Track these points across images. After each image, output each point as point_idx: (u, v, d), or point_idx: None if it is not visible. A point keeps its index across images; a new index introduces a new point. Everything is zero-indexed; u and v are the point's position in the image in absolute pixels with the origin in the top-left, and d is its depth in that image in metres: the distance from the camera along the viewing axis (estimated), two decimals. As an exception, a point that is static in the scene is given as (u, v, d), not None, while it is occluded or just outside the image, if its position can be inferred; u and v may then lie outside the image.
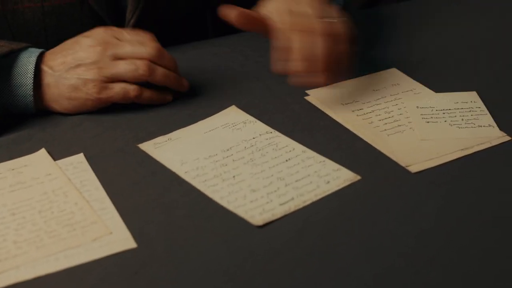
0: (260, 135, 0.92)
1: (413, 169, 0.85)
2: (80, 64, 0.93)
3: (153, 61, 0.95)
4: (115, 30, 0.97)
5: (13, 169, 0.85)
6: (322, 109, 0.97)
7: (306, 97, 1.00)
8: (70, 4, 1.03)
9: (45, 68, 0.93)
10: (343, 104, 0.98)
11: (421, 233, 0.76)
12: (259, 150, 0.89)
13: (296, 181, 0.83)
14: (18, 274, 0.70)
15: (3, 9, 1.00)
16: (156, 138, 0.91)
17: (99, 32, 0.96)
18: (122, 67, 0.93)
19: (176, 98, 0.99)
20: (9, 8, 1.01)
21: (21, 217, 0.77)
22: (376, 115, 0.95)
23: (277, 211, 0.79)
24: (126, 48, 0.94)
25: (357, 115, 0.95)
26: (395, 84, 1.02)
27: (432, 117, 0.94)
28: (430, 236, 0.76)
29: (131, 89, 0.94)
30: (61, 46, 0.96)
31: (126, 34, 0.97)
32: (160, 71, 0.95)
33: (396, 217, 0.78)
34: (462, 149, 0.88)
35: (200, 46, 1.14)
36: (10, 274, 0.70)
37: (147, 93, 0.96)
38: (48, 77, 0.93)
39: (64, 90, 0.93)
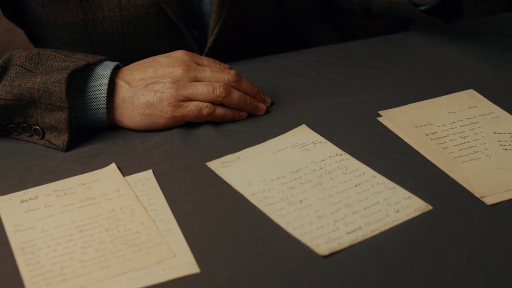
0: (329, 157, 0.90)
1: (488, 200, 0.82)
2: (159, 82, 0.93)
3: (231, 86, 0.96)
4: (195, 55, 0.98)
5: (83, 184, 0.86)
6: (395, 131, 0.94)
7: (379, 118, 0.97)
8: (148, 13, 1.04)
9: (121, 82, 0.94)
10: (416, 127, 0.95)
11: (493, 272, 0.73)
12: (328, 173, 0.87)
13: (365, 208, 0.81)
14: (82, 294, 0.71)
15: (84, 18, 1.02)
16: (224, 157, 0.91)
17: (180, 54, 0.97)
18: (200, 88, 0.94)
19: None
20: (90, 17, 1.03)
21: (89, 234, 0.78)
22: (451, 140, 0.92)
23: (343, 240, 0.77)
24: (206, 73, 0.95)
25: (431, 139, 0.92)
26: (472, 107, 0.99)
27: (510, 144, 0.90)
28: (503, 276, 0.72)
29: (205, 107, 0.94)
30: (138, 63, 0.97)
31: (206, 60, 0.98)
32: (236, 94, 0.96)
33: (467, 253, 0.75)
34: (542, 182, 0.84)
35: (272, 60, 1.13)
36: (75, 294, 0.71)
37: (221, 110, 0.96)
38: (124, 92, 0.94)
39: (139, 106, 0.94)
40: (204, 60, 0.98)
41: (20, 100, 0.90)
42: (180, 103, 0.94)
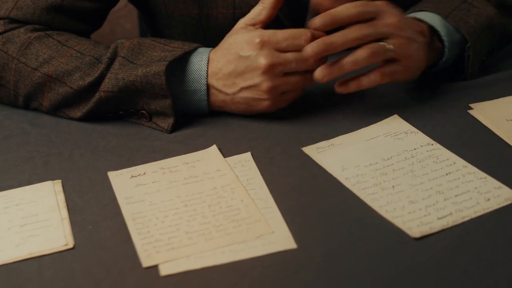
0: (421, 146, 0.93)
1: None
2: (251, 86, 0.96)
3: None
4: (272, 42, 0.95)
5: (187, 163, 0.92)
6: (485, 124, 0.97)
7: (470, 111, 1.00)
8: None
9: (213, 90, 0.99)
10: (507, 120, 0.97)
11: None
12: (420, 161, 0.90)
13: (456, 196, 0.84)
14: (188, 263, 0.77)
15: (200, 12, 1.09)
16: (319, 143, 0.95)
17: (261, 54, 0.95)
18: (293, 80, 0.96)
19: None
20: (205, 12, 1.09)
21: (193, 209, 0.84)
22: (543, 134, 0.93)
23: (435, 224, 0.80)
24: (292, 64, 0.95)
25: (522, 133, 0.94)
26: None
27: None
28: None
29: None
30: (224, 57, 0.97)
31: (283, 39, 0.95)
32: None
33: (557, 243, 0.77)
34: None
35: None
36: (181, 262, 0.77)
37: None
38: (221, 97, 0.99)
39: (240, 107, 0.99)
40: (282, 41, 0.95)
41: (126, 91, 0.97)
42: (277, 97, 0.97)
